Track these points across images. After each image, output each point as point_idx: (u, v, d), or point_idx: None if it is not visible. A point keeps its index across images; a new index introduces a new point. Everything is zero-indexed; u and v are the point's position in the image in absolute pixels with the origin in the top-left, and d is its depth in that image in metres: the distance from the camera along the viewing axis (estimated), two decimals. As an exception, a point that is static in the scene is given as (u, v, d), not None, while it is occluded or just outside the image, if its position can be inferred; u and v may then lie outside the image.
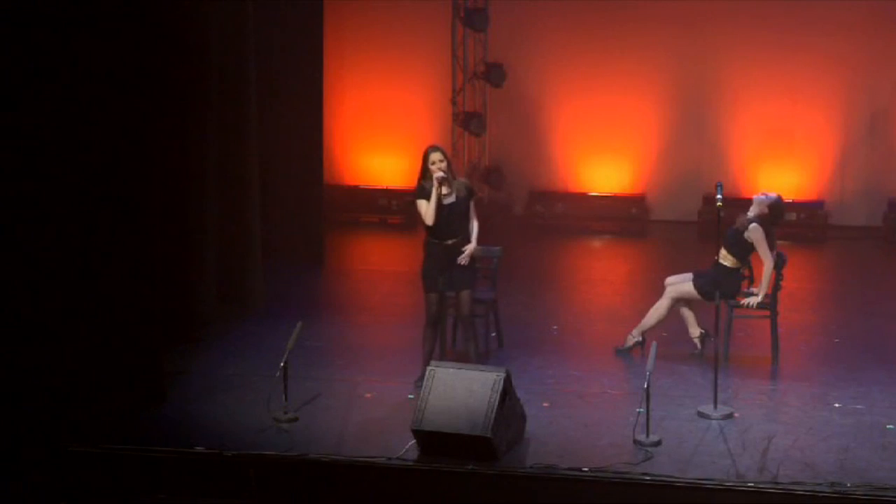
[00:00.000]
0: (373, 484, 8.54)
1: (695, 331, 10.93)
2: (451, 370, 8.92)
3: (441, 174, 9.78)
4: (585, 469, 8.46)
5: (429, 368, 9.00)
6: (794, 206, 15.38)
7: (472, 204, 10.04)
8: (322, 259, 14.06)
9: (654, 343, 9.53)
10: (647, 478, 8.36)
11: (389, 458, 8.62)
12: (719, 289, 10.16)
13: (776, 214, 10.71)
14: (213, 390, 9.92)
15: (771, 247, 10.59)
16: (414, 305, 10.31)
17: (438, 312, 10.03)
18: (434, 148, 9.94)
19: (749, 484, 8.29)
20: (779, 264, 10.72)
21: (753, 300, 10.66)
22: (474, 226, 10.03)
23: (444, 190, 9.87)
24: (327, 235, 14.28)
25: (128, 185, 9.34)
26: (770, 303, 10.70)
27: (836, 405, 9.71)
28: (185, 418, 9.33)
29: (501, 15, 16.17)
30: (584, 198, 16.32)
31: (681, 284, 10.84)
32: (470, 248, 9.97)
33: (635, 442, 8.89)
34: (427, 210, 9.85)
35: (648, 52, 15.92)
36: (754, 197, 10.81)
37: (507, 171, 16.47)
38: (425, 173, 9.88)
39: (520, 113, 16.50)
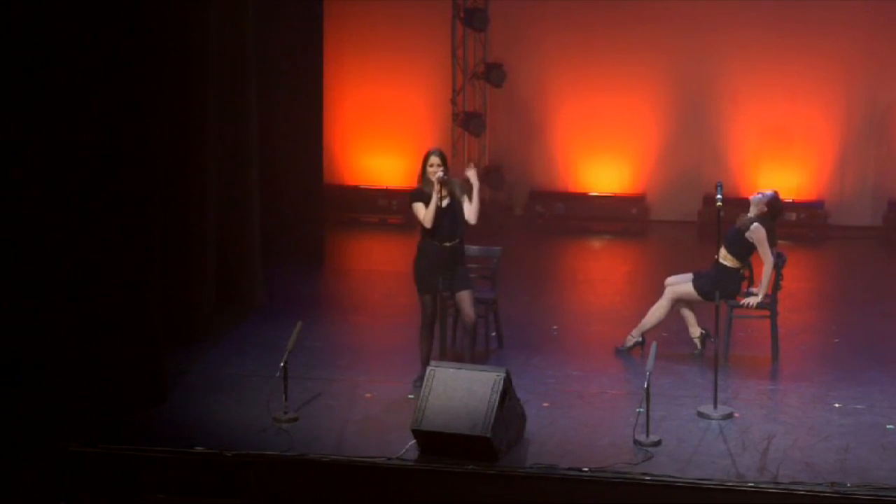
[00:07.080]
0: (373, 484, 8.53)
1: (695, 331, 10.93)
2: (451, 370, 8.92)
3: (442, 174, 9.78)
4: (585, 469, 8.46)
5: (429, 368, 9.00)
6: (794, 206, 15.39)
7: (465, 199, 9.97)
8: (322, 259, 14.06)
9: (654, 343, 9.53)
10: (647, 478, 8.36)
11: (389, 458, 8.61)
12: (719, 289, 10.15)
13: (775, 211, 10.71)
14: (213, 390, 9.92)
15: (772, 244, 10.59)
16: (414, 305, 10.30)
17: (434, 313, 10.03)
18: (433, 151, 9.95)
19: (749, 484, 8.29)
20: (779, 264, 10.71)
21: (753, 300, 10.66)
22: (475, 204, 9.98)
23: (444, 192, 9.85)
24: (327, 235, 14.29)
25: (128, 185, 9.34)
26: (770, 303, 10.70)
27: (836, 405, 9.71)
28: (185, 418, 9.33)
29: (501, 15, 16.17)
30: (584, 198, 16.33)
31: (681, 285, 10.84)
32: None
33: (635, 442, 8.89)
34: (426, 214, 9.84)
35: (648, 53, 15.91)
36: (751, 198, 10.80)
37: (507, 171, 16.46)
38: (423, 175, 9.89)
39: (520, 113, 16.50)
